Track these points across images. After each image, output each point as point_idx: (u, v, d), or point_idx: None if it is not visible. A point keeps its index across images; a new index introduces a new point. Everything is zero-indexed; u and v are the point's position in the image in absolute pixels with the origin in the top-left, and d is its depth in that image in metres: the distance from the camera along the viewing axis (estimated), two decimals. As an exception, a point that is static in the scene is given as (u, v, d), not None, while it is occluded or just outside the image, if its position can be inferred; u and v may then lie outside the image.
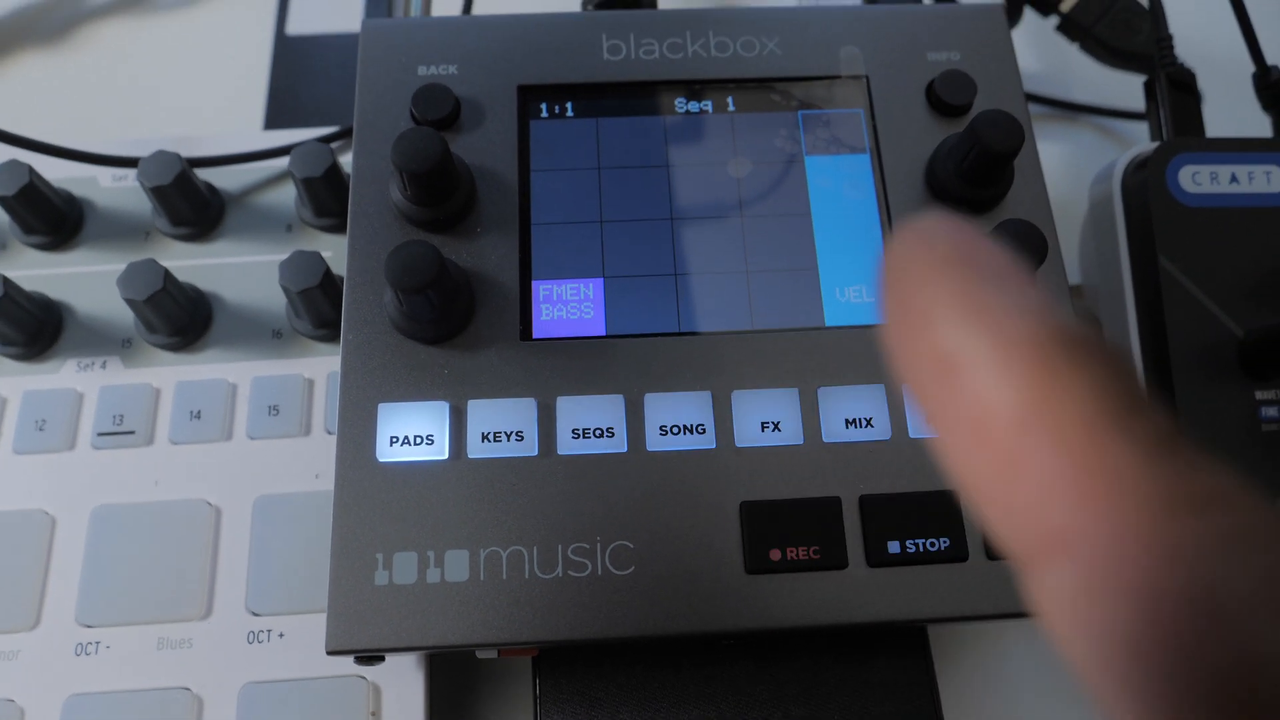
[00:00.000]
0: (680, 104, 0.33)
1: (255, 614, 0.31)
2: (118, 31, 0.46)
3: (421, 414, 0.28)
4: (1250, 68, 0.37)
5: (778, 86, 0.33)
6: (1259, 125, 0.38)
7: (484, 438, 0.28)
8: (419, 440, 0.28)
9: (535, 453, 0.28)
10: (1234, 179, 0.34)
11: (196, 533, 0.32)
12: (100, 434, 0.33)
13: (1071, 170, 0.45)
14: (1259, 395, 0.32)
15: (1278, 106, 0.37)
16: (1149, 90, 0.38)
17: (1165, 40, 0.38)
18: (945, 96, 0.32)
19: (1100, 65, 0.43)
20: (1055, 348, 0.12)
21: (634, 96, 0.33)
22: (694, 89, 0.33)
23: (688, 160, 0.32)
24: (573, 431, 0.28)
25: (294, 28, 0.45)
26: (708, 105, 0.33)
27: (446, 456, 0.28)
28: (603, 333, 0.30)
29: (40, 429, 0.33)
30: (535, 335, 0.30)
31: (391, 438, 0.28)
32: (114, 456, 0.33)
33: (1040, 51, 0.49)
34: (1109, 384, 0.12)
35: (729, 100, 0.33)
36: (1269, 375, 0.32)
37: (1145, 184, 0.34)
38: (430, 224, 0.30)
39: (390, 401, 0.29)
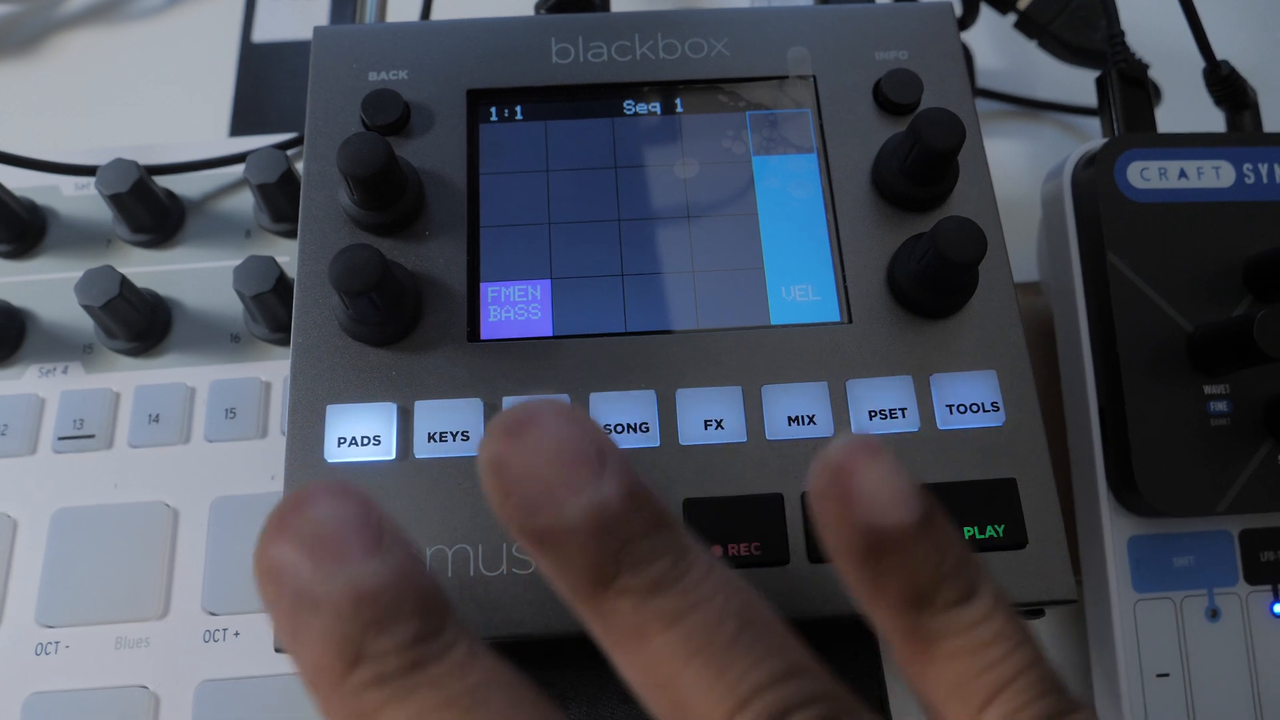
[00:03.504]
0: (628, 106, 0.33)
1: (212, 613, 0.31)
2: (86, 42, 0.47)
3: (369, 415, 0.29)
4: (1208, 64, 0.37)
5: (725, 87, 0.34)
6: (1222, 122, 0.38)
7: (430, 438, 0.29)
8: (366, 441, 0.29)
9: (481, 452, 0.29)
10: (1183, 174, 0.34)
11: (155, 534, 0.32)
12: (61, 438, 0.33)
13: (1033, 167, 0.46)
14: (1208, 390, 0.32)
15: (1228, 101, 0.37)
16: (1101, 86, 0.38)
17: (1118, 36, 0.38)
18: (892, 95, 0.33)
19: (1060, 62, 0.43)
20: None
21: (582, 99, 0.33)
22: (642, 91, 0.33)
23: (636, 162, 0.32)
24: (518, 431, 0.29)
25: (260, 35, 0.46)
26: (656, 107, 0.33)
27: (394, 457, 0.28)
28: (549, 333, 0.30)
29: (2, 433, 0.33)
30: (483, 336, 0.30)
31: (340, 439, 0.29)
32: (74, 460, 0.33)
33: (1004, 49, 0.49)
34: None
35: (677, 102, 0.33)
36: (1217, 371, 0.32)
37: (1094, 180, 0.34)
38: (378, 228, 0.31)
39: (338, 403, 0.29)
